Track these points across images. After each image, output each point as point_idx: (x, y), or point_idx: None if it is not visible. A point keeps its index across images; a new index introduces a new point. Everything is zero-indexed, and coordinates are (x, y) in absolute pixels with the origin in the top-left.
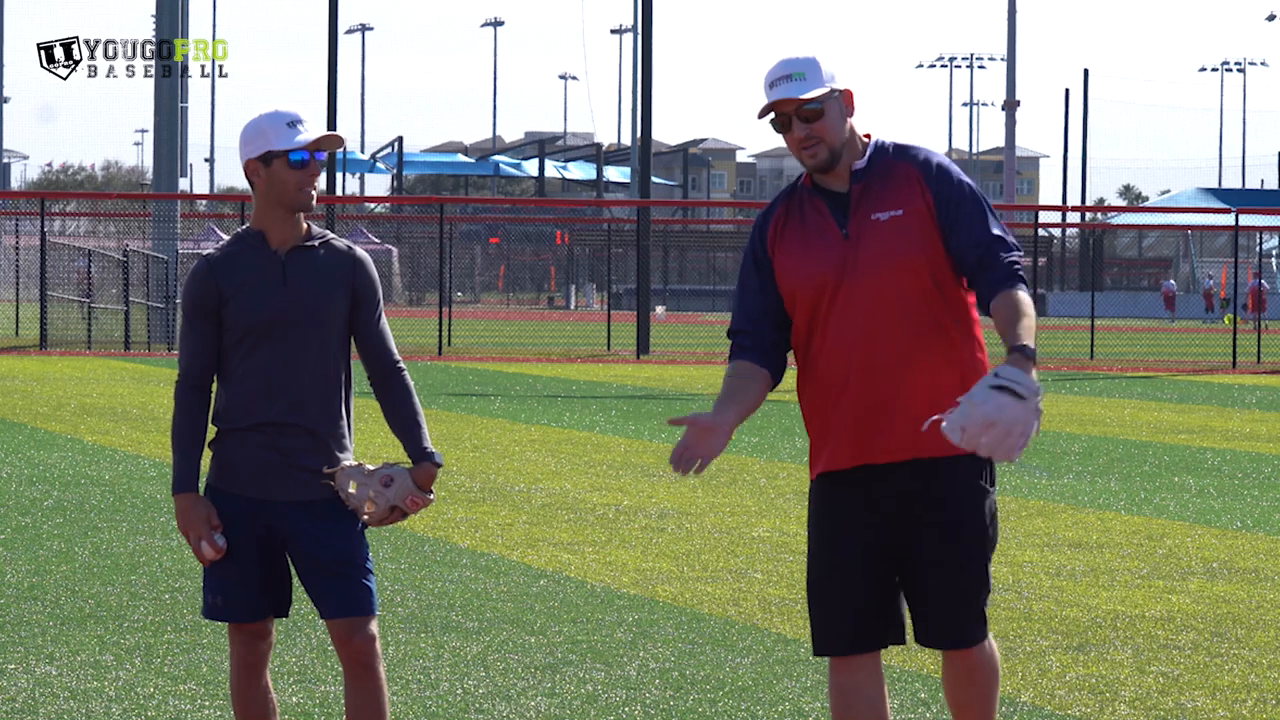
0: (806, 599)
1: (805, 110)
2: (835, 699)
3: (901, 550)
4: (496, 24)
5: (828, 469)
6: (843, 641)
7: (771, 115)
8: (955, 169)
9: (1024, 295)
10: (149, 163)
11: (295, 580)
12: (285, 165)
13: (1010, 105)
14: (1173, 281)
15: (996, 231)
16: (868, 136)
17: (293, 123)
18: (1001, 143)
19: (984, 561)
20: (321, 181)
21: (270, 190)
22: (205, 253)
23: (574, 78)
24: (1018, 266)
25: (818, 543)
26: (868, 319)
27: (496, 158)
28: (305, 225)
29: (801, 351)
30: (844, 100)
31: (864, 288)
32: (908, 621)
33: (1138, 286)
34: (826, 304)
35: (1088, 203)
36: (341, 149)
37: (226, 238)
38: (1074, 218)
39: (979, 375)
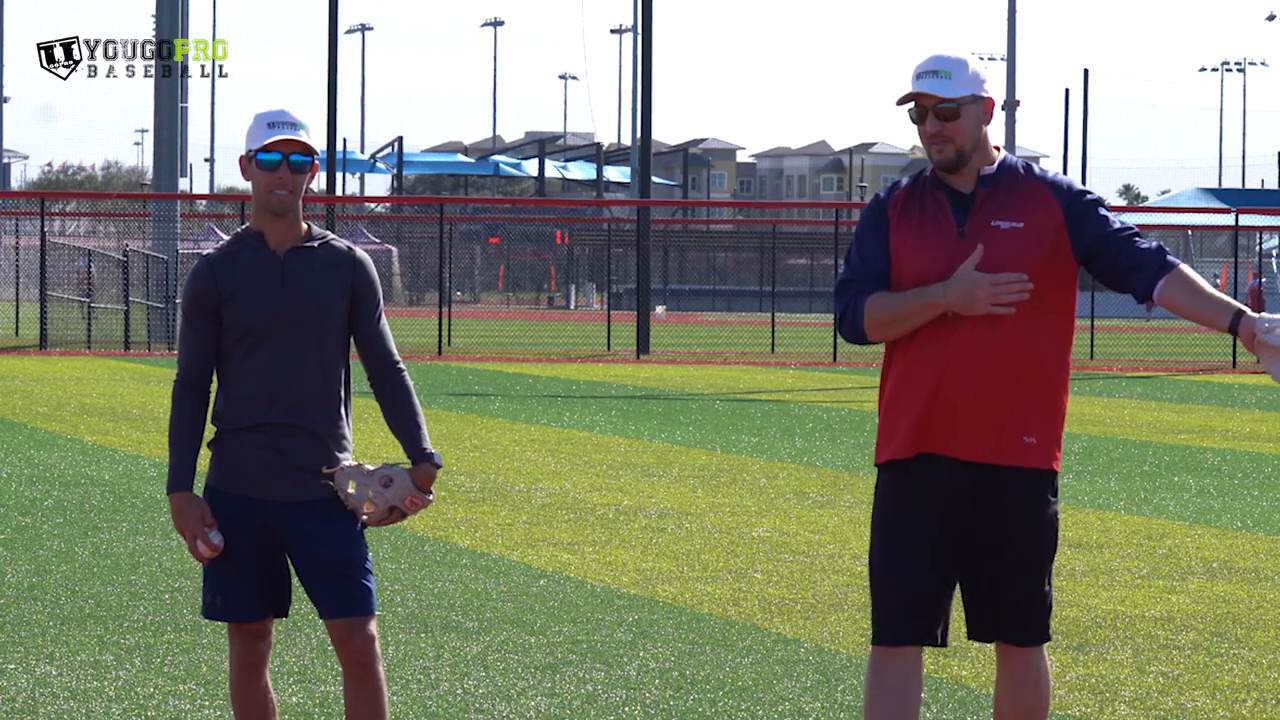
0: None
1: (942, 108)
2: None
3: (966, 550)
4: (496, 24)
5: (894, 456)
6: (892, 630)
7: (910, 105)
8: (1080, 185)
9: (1186, 270)
10: (149, 163)
11: (295, 580)
12: (257, 165)
13: (1010, 105)
14: None
15: (1132, 230)
16: (998, 149)
17: (273, 123)
18: (1002, 143)
19: (1047, 572)
20: (321, 181)
21: (253, 190)
22: (205, 253)
23: (574, 78)
24: (1166, 251)
25: (883, 530)
26: (969, 320)
27: (496, 158)
28: (305, 226)
29: (910, 339)
30: (984, 108)
31: None
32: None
33: None
34: None
35: None
36: (318, 153)
37: (226, 238)
38: None
39: (1057, 400)
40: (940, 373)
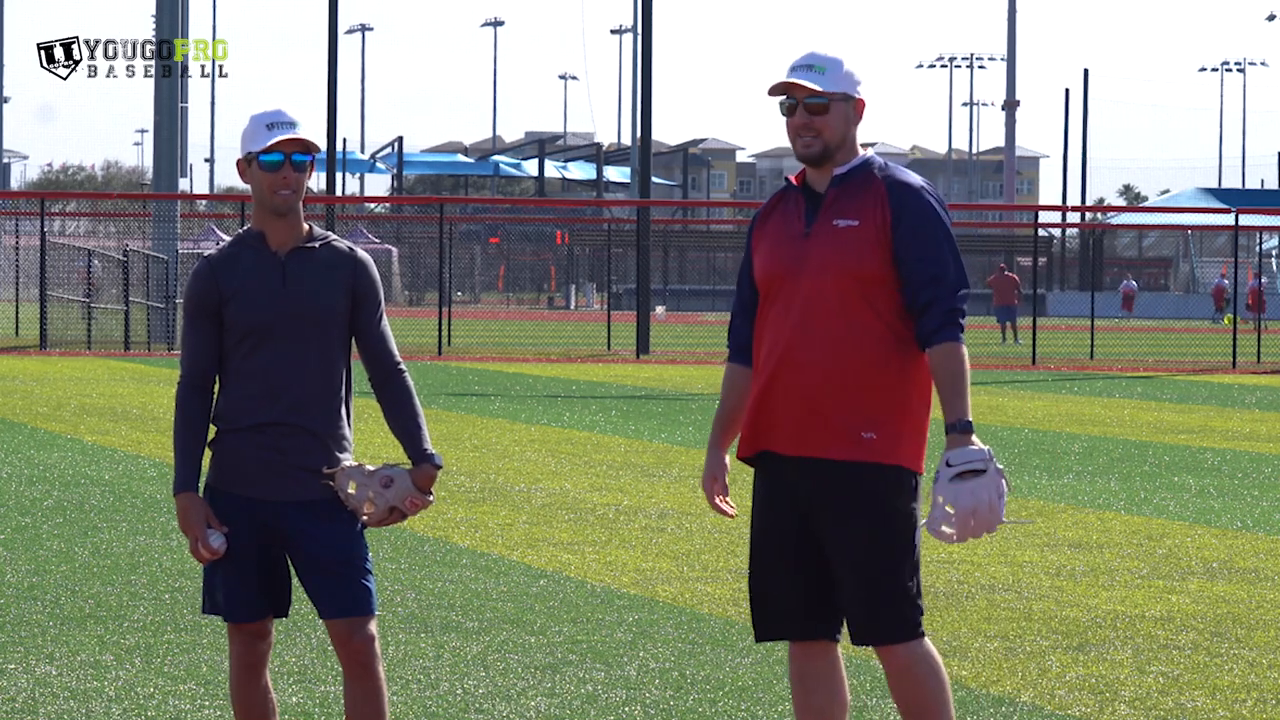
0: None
1: (811, 103)
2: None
3: (813, 544)
4: (496, 24)
5: (740, 456)
6: (757, 628)
7: (782, 96)
8: (929, 200)
9: (953, 352)
10: (149, 163)
11: (295, 580)
12: (259, 167)
13: (1010, 105)
14: (1132, 281)
15: (944, 271)
16: (865, 148)
17: (272, 124)
18: (1001, 143)
19: (894, 566)
20: (321, 181)
21: (254, 191)
22: (205, 253)
23: (574, 78)
24: (957, 313)
25: (751, 526)
26: (801, 316)
27: (496, 158)
28: (306, 226)
29: (755, 334)
30: (855, 108)
31: (805, 287)
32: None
33: (1138, 286)
34: (773, 296)
35: (1088, 203)
36: (319, 150)
37: (227, 238)
38: (1074, 218)
39: (902, 396)
40: (770, 373)
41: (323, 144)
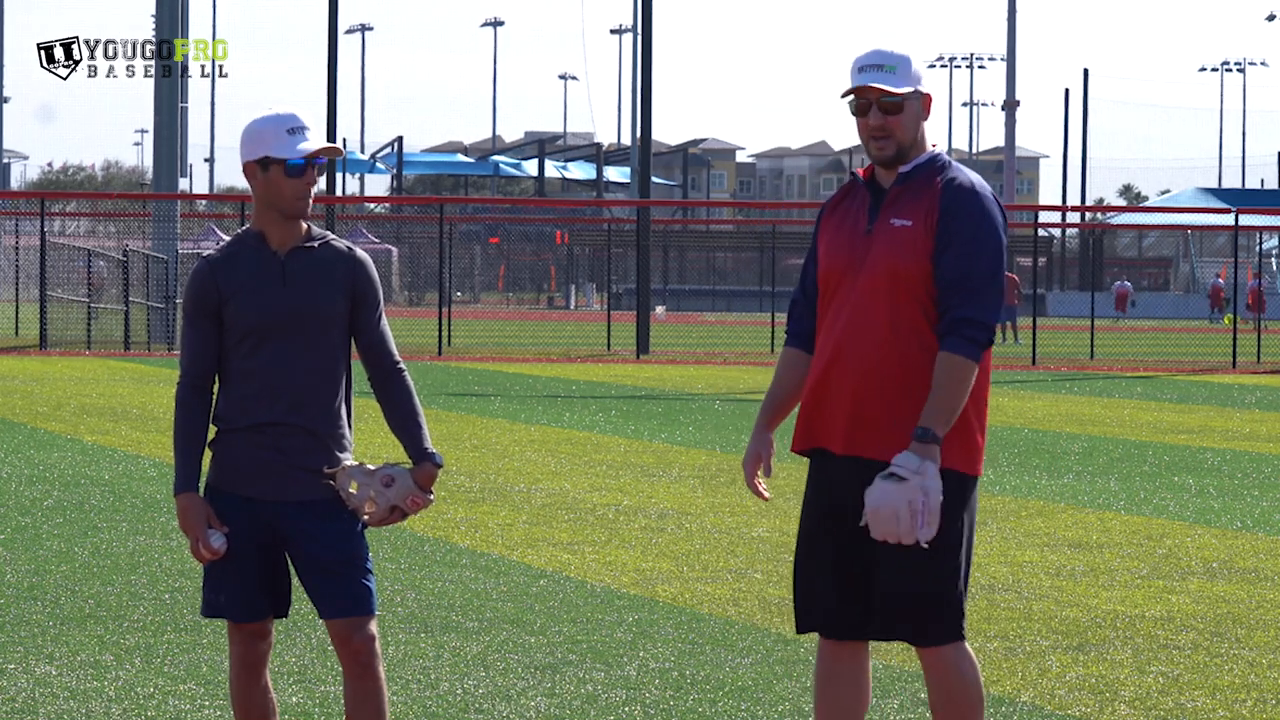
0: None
1: (887, 102)
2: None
3: (860, 543)
4: (496, 24)
5: (793, 447)
6: (799, 621)
7: (852, 98)
8: (981, 205)
9: (954, 362)
10: (149, 163)
11: (295, 580)
12: (282, 173)
13: (1010, 105)
14: (1126, 281)
15: (969, 278)
16: (934, 146)
17: (293, 129)
18: (1001, 143)
19: (940, 567)
20: (321, 182)
21: (267, 194)
22: (205, 253)
23: (574, 78)
24: (969, 324)
25: (800, 520)
26: (854, 315)
27: (496, 158)
28: (305, 226)
29: (815, 329)
30: (923, 103)
31: (861, 285)
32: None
33: (1138, 286)
34: (832, 291)
35: (1088, 203)
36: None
37: (227, 238)
38: (1074, 218)
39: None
40: (821, 369)
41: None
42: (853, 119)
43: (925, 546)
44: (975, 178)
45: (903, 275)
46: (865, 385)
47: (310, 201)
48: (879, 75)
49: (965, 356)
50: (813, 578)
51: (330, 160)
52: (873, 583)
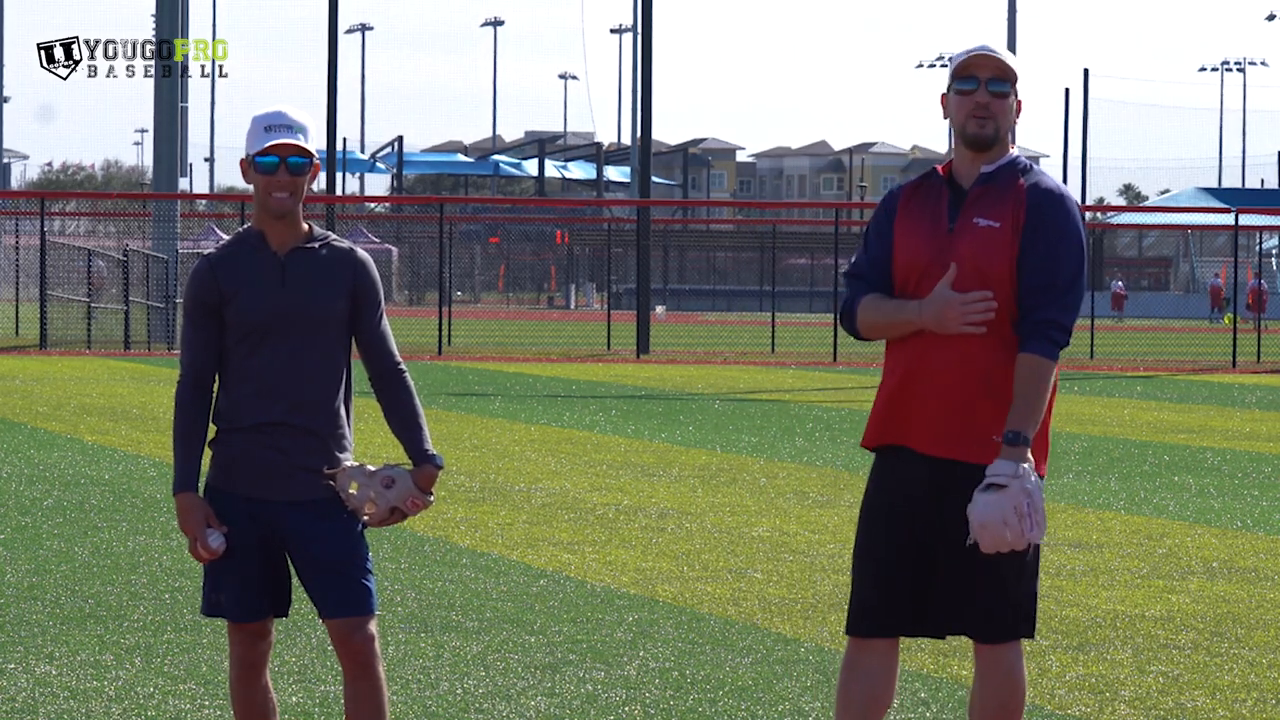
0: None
1: (994, 89)
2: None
3: (932, 542)
4: (496, 24)
5: (863, 444)
6: (859, 621)
7: (958, 78)
8: (1067, 206)
9: (1038, 364)
10: (149, 163)
11: (295, 580)
12: (255, 170)
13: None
14: (1120, 282)
15: (1054, 281)
16: (1013, 147)
17: (270, 126)
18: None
19: (1019, 564)
20: (321, 182)
21: (254, 192)
22: (206, 252)
23: (574, 78)
24: (1053, 326)
25: (861, 519)
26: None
27: (496, 157)
28: (307, 226)
29: None
30: (1017, 106)
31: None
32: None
33: (1138, 286)
34: (913, 286)
35: (1088, 202)
36: (314, 154)
37: (227, 237)
38: None
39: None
40: (906, 366)
41: (323, 145)
42: (949, 101)
43: (1038, 545)
44: (1058, 181)
45: (990, 276)
46: (957, 386)
47: (288, 200)
48: (993, 55)
49: (1049, 358)
50: (890, 577)
51: (330, 157)
52: (946, 580)
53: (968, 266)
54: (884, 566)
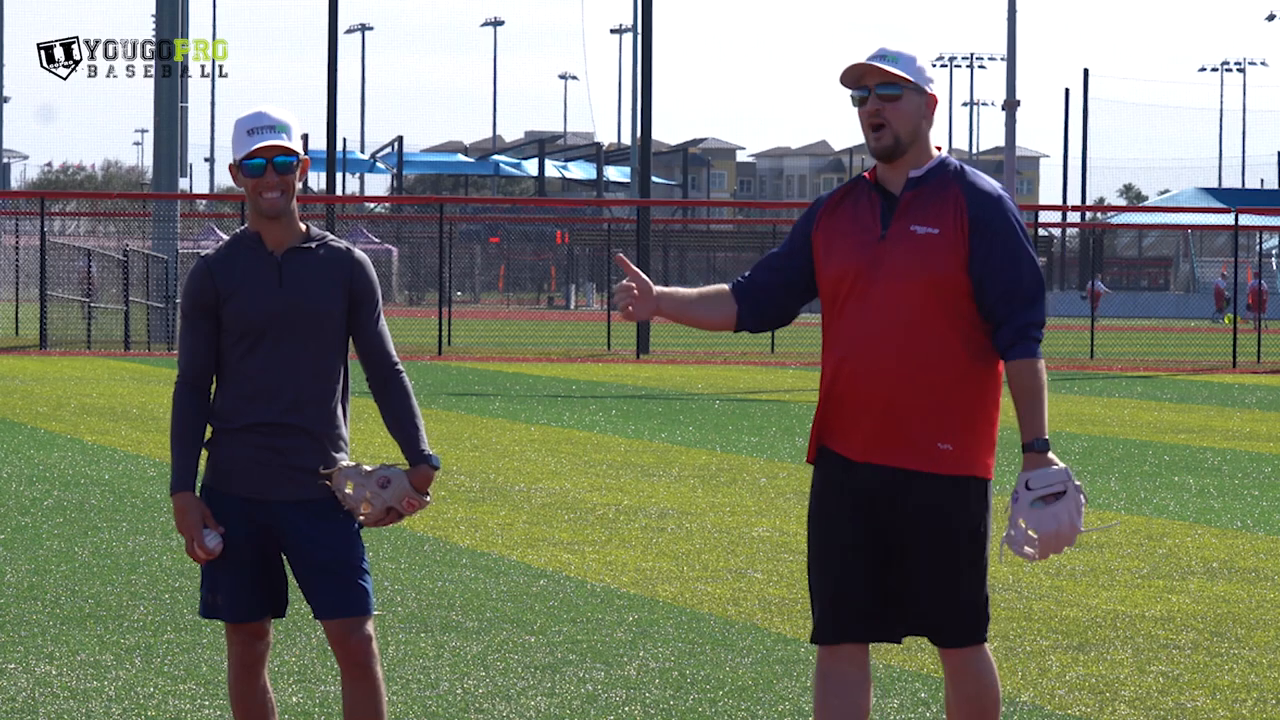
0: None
1: (883, 92)
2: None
3: (883, 549)
4: (496, 24)
5: (808, 458)
6: (820, 629)
7: (853, 90)
8: (1008, 206)
9: (1033, 367)
10: (149, 163)
11: (293, 580)
12: (243, 173)
13: (1010, 105)
14: (1099, 281)
15: (1019, 284)
16: (939, 149)
17: (253, 129)
18: (1001, 143)
19: (969, 571)
20: (321, 182)
21: (246, 195)
22: (205, 253)
23: (574, 78)
24: (1034, 327)
25: (809, 529)
26: (875, 322)
27: (496, 157)
28: (304, 226)
29: (823, 334)
30: (927, 103)
31: (881, 291)
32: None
33: (1138, 286)
34: (844, 296)
35: (1088, 202)
36: (299, 152)
37: (226, 237)
38: (1074, 217)
39: (980, 405)
40: (840, 375)
41: (322, 145)
42: (857, 117)
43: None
44: (990, 180)
45: (930, 282)
46: (897, 394)
47: (279, 200)
48: (880, 62)
49: (1039, 358)
50: (844, 585)
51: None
52: (898, 585)
53: (905, 274)
54: (837, 578)
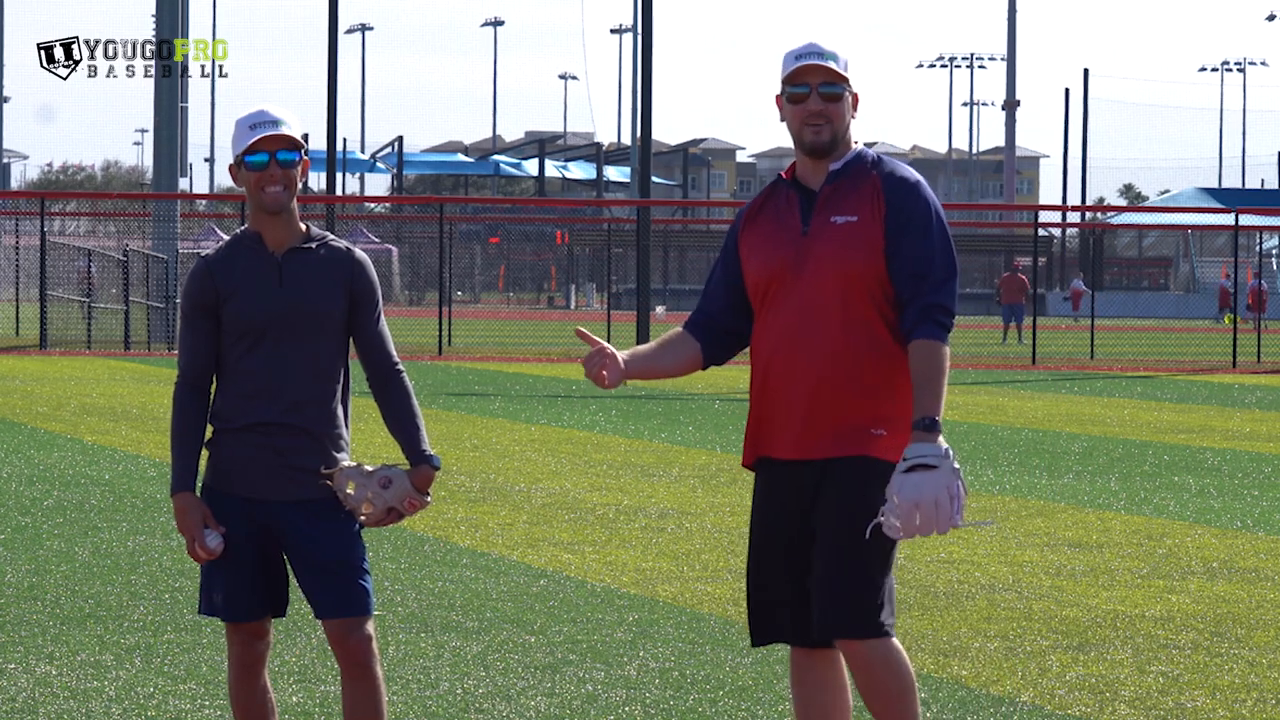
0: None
1: (825, 91)
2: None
3: (810, 543)
4: (496, 24)
5: (744, 462)
6: (766, 631)
7: (789, 86)
8: (924, 192)
9: (932, 348)
10: (149, 163)
11: (293, 580)
12: (245, 168)
13: (1010, 105)
14: (1079, 280)
15: (933, 264)
16: (855, 143)
17: (254, 124)
18: (1001, 143)
19: (863, 559)
20: (321, 182)
21: (247, 193)
22: (205, 253)
23: (574, 78)
24: (939, 310)
25: (750, 532)
26: (800, 317)
27: (496, 157)
28: (304, 226)
29: (752, 335)
30: (853, 101)
31: (805, 284)
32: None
33: (1138, 286)
34: (772, 295)
35: (1088, 203)
36: (303, 146)
37: (227, 237)
38: (1074, 217)
39: (908, 391)
40: (769, 375)
41: (321, 144)
42: (784, 106)
43: (961, 526)
44: (907, 168)
45: (853, 271)
46: (820, 386)
47: (282, 194)
48: (820, 60)
49: (941, 341)
50: (770, 587)
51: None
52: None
53: (830, 265)
54: (761, 580)
